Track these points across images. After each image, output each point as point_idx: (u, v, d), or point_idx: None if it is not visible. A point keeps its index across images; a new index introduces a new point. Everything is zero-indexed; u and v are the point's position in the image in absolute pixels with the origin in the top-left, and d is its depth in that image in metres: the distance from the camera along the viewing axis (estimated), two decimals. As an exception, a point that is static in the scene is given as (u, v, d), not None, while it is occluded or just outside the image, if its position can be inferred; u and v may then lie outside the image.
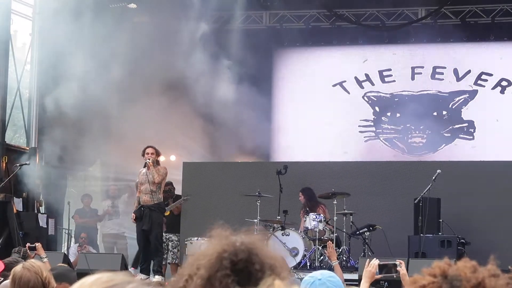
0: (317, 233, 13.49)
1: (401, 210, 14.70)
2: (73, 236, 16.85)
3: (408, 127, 18.33)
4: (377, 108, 18.60)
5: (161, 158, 14.19)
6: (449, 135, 18.21)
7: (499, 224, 14.43)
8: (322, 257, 13.41)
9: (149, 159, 13.13)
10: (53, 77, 16.14)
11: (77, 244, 16.69)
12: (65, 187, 17.49)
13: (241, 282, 1.97)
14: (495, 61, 18.10)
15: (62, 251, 15.45)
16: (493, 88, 18.10)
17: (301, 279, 4.49)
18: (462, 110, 18.23)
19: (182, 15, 16.80)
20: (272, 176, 14.73)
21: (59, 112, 16.12)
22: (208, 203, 15.53)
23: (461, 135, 18.16)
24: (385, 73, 18.62)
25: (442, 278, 1.86)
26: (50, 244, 15.92)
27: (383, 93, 18.61)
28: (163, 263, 14.02)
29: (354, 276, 12.16)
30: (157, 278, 12.86)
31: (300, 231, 13.82)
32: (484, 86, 18.14)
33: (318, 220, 13.61)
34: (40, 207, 16.69)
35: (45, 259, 9.44)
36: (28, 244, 10.39)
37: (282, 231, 13.67)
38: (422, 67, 18.46)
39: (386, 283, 11.39)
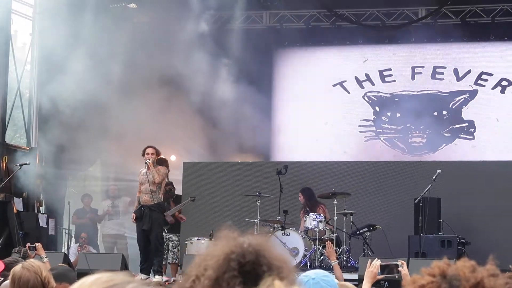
0: (317, 233, 13.48)
1: (401, 210, 14.70)
2: (73, 236, 16.84)
3: (408, 127, 18.32)
4: (377, 108, 18.59)
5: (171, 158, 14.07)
6: (449, 135, 18.19)
7: (499, 224, 14.43)
8: (322, 257, 13.40)
9: (149, 159, 13.11)
10: (53, 77, 16.13)
11: (77, 244, 16.70)
12: (65, 187, 17.48)
13: (248, 284, 1.97)
14: (495, 61, 18.09)
15: (62, 251, 15.43)
16: (493, 88, 18.09)
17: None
18: (462, 110, 18.22)
19: (182, 15, 16.80)
20: (272, 176, 14.73)
21: (59, 112, 16.12)
22: (208, 203, 15.52)
23: (461, 135, 18.15)
24: (385, 73, 18.61)
25: (441, 277, 1.87)
26: (50, 244, 15.90)
27: (383, 93, 18.60)
28: (163, 263, 14.01)
29: (354, 276, 12.15)
30: (157, 278, 12.86)
31: (300, 231, 13.82)
32: (484, 86, 18.12)
33: (318, 220, 13.60)
34: (40, 207, 16.68)
35: (45, 259, 9.44)
36: (28, 244, 10.39)
37: (282, 231, 13.67)
38: (422, 67, 18.44)
39: (386, 283, 11.38)
